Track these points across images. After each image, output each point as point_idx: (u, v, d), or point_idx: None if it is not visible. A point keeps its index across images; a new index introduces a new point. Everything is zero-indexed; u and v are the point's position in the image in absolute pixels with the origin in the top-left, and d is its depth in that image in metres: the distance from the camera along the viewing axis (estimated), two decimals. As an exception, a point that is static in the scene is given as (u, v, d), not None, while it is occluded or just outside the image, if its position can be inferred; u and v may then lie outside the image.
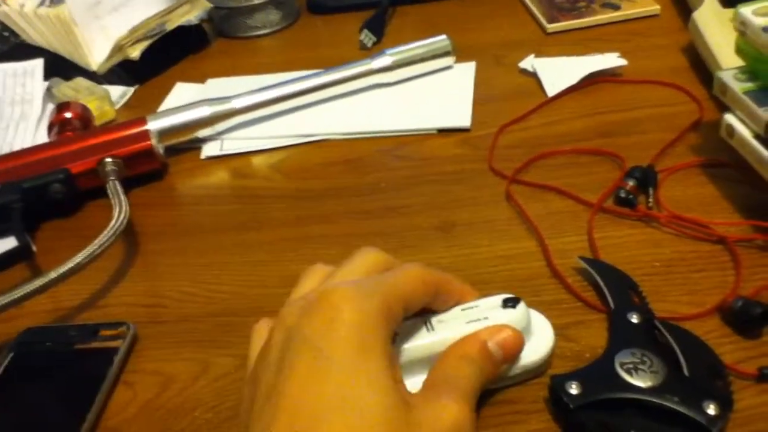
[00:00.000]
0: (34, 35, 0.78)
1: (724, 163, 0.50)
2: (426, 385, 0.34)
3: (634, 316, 0.38)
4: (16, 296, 0.42)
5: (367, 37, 0.75)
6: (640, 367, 0.35)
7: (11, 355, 0.43)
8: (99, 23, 0.75)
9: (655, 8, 0.72)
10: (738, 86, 0.47)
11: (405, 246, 0.48)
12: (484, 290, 0.43)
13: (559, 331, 0.40)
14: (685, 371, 0.35)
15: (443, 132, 0.60)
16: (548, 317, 0.39)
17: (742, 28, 0.47)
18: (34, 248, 0.51)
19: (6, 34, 0.80)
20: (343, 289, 0.32)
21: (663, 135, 0.54)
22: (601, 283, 0.41)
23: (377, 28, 0.77)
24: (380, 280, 0.34)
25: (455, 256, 0.46)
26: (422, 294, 0.35)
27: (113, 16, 0.77)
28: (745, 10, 0.47)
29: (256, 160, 0.61)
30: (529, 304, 0.38)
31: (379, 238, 0.49)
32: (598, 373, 0.35)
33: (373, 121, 0.62)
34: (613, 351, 0.36)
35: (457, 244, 0.48)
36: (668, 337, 0.37)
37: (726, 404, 0.33)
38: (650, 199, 0.48)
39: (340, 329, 0.30)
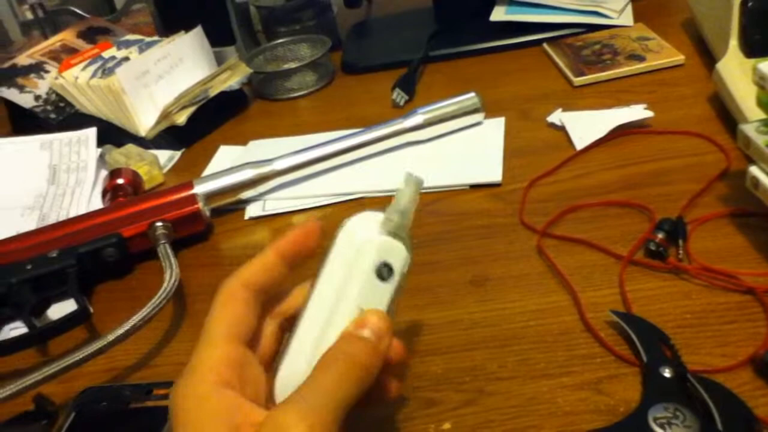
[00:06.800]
0: (87, 105, 0.84)
1: (752, 212, 0.51)
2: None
3: (667, 370, 0.39)
4: (77, 359, 0.45)
5: (399, 96, 0.78)
6: (674, 421, 0.36)
7: (73, 414, 0.45)
8: (147, 91, 0.80)
9: (680, 58, 0.73)
10: (761, 139, 0.48)
11: (438, 302, 0.50)
12: (516, 346, 0.45)
13: (593, 385, 0.41)
14: (719, 425, 0.36)
15: (475, 187, 0.62)
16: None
17: (762, 82, 0.48)
18: (92, 310, 0.54)
19: (62, 104, 0.85)
20: None
21: (691, 185, 0.55)
22: (634, 337, 0.42)
23: (408, 86, 0.80)
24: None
25: (488, 311, 0.48)
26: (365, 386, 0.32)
27: (159, 84, 0.81)
28: (763, 65, 0.48)
29: (297, 220, 0.63)
30: (564, 359, 0.39)
31: (412, 294, 0.51)
32: (632, 428, 0.36)
33: (407, 178, 0.65)
34: (646, 405, 0.37)
35: (489, 299, 0.49)
36: (701, 390, 0.38)
37: (760, 458, 0.34)
38: (680, 251, 0.49)
39: None
